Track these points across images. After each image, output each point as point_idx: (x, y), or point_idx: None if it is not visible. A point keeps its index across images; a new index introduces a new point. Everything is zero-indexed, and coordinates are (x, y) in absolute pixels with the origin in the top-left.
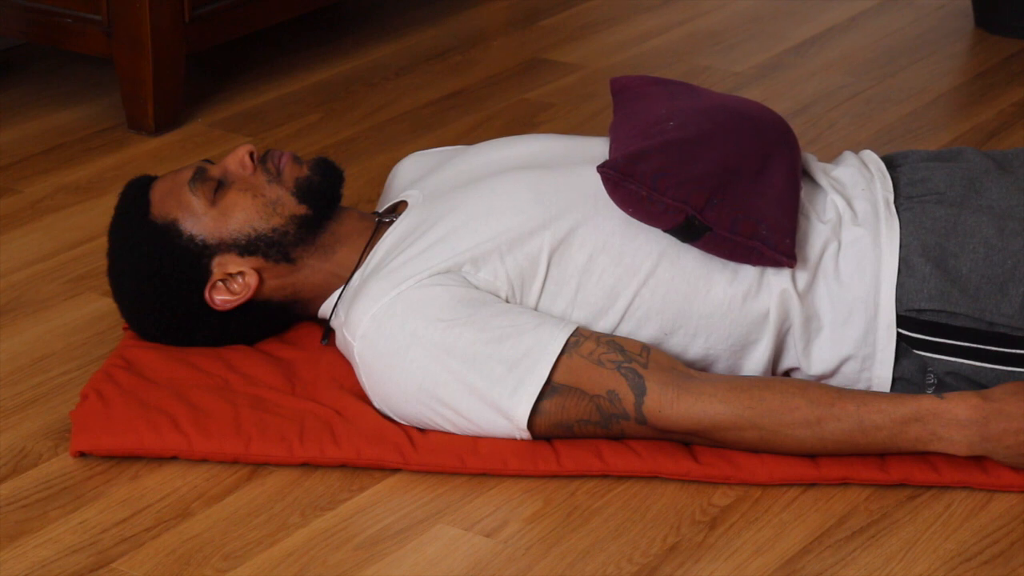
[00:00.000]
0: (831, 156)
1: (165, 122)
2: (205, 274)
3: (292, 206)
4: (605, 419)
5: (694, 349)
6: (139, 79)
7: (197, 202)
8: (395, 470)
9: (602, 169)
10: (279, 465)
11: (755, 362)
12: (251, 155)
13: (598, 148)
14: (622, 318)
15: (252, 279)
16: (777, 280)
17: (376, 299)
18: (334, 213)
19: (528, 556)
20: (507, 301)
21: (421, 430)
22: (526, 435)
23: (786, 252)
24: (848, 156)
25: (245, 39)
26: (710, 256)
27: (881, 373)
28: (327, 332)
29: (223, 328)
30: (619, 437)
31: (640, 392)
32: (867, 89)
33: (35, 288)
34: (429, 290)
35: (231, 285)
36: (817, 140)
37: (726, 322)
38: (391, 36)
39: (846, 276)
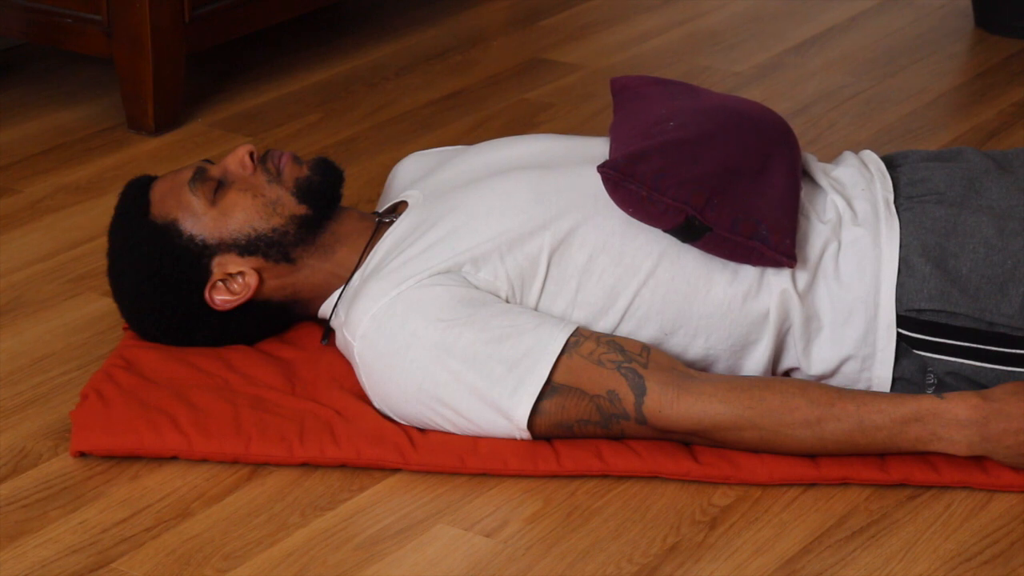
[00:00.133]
0: (831, 156)
1: (165, 122)
2: (205, 274)
3: (292, 206)
4: (605, 419)
5: (694, 349)
6: (139, 79)
7: (197, 202)
8: (395, 470)
9: (602, 169)
10: (279, 465)
11: (755, 362)
12: (251, 155)
13: (598, 148)
14: (622, 318)
15: (252, 279)
16: (777, 280)
17: (376, 299)
18: (334, 213)
19: (528, 556)
20: (507, 301)
21: (421, 430)
22: (526, 435)
23: (786, 252)
24: (848, 156)
25: (245, 39)
26: (710, 256)
27: (881, 373)
28: (327, 332)
29: (223, 328)
30: (619, 437)
31: (640, 392)
32: (867, 89)
33: (35, 288)
34: (429, 290)
35: (231, 285)
36: (817, 140)
37: (726, 322)
38: (391, 36)
39: (846, 276)
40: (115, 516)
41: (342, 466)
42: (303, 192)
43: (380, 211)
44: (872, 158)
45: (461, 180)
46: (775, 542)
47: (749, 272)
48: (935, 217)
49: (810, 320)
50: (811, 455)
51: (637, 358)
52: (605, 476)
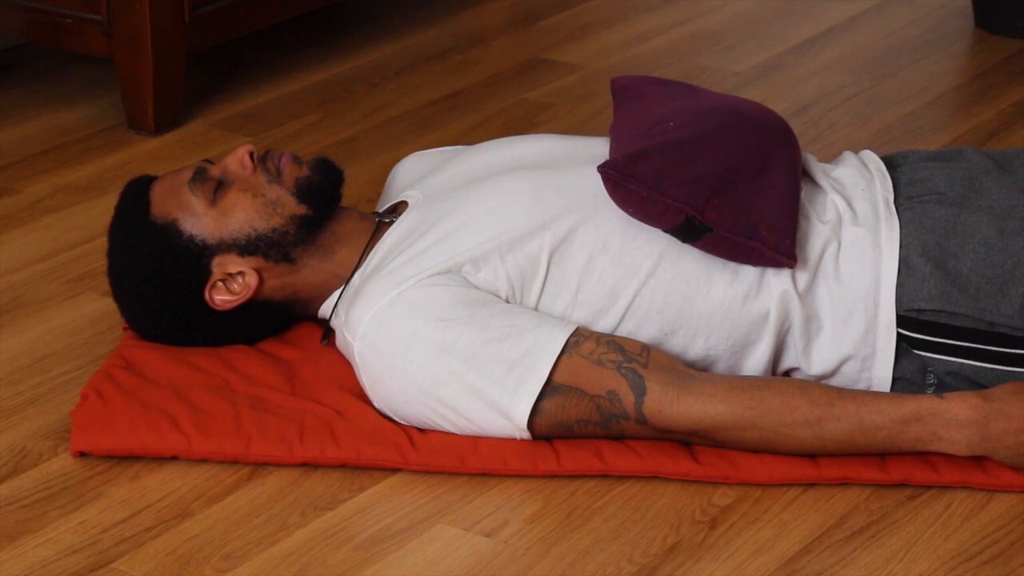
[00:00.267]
0: (831, 156)
1: (165, 122)
2: (205, 274)
3: (292, 206)
4: (605, 419)
5: (694, 349)
6: (139, 79)
7: (197, 202)
8: (395, 470)
9: (602, 169)
10: (279, 465)
11: (755, 362)
12: (251, 155)
13: (598, 148)
14: (622, 318)
15: (252, 279)
16: (777, 280)
17: (376, 299)
18: (334, 213)
19: (528, 556)
20: (507, 301)
21: (421, 430)
22: (526, 435)
23: (786, 252)
24: (848, 156)
25: (245, 39)
26: (710, 256)
27: (881, 373)
28: (327, 332)
29: (223, 328)
30: (619, 437)
31: (640, 392)
32: (867, 89)
33: (35, 288)
34: (429, 290)
35: (231, 285)
36: (817, 140)
37: (726, 322)
38: (391, 36)
39: (846, 276)
40: (115, 516)
41: (342, 466)
42: (303, 192)
43: (380, 211)
44: (872, 158)
45: (461, 180)
46: (775, 542)
47: (749, 272)
48: (935, 217)
49: (810, 320)
50: (811, 455)
51: (637, 358)
52: (605, 476)
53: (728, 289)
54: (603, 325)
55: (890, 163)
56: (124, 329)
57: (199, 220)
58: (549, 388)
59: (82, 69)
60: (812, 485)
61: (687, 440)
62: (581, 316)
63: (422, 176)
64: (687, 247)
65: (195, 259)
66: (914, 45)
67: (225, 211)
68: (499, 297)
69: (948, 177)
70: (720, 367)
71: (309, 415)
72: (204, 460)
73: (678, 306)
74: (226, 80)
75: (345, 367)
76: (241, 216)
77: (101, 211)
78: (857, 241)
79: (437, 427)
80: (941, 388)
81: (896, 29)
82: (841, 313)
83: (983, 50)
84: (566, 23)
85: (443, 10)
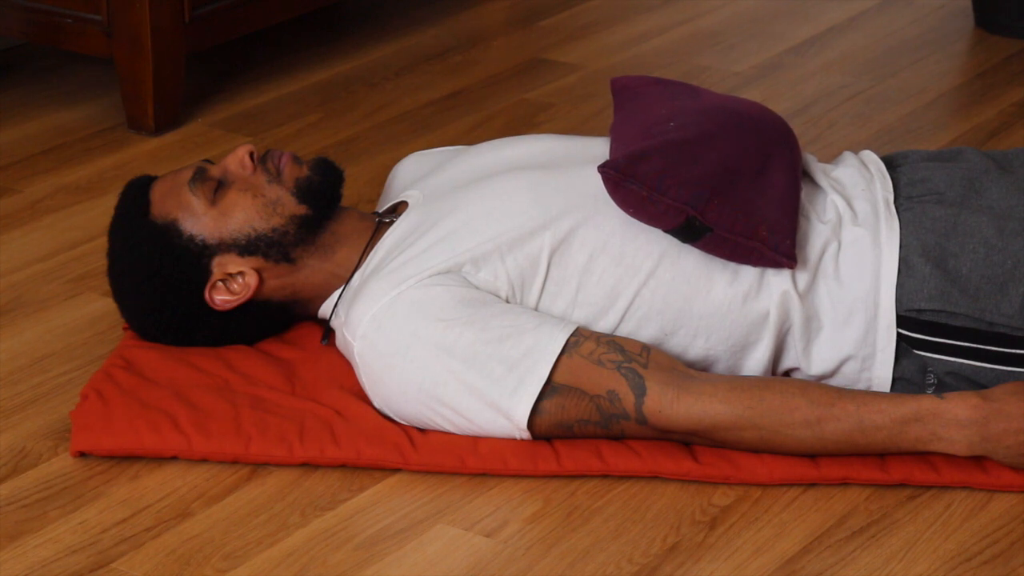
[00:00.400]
0: (831, 156)
1: (165, 122)
2: (205, 274)
3: (292, 206)
4: (605, 419)
5: (694, 349)
6: (139, 79)
7: (197, 202)
8: (395, 470)
9: (603, 169)
10: (279, 465)
11: (755, 362)
12: (251, 155)
13: (599, 148)
14: (622, 318)
15: (252, 279)
16: (777, 281)
17: (376, 299)
18: (334, 213)
19: (528, 556)
20: (507, 301)
21: (421, 430)
22: (526, 435)
23: (786, 253)
24: (848, 156)
25: (245, 39)
26: (710, 257)
27: (881, 373)
28: (327, 332)
29: (223, 328)
30: (619, 437)
31: (640, 392)
32: (867, 89)
33: (35, 288)
34: (429, 290)
35: (231, 285)
36: (817, 140)
37: (726, 322)
38: (391, 36)
39: (846, 276)
40: (115, 516)
41: (342, 466)
42: (303, 192)
43: (380, 211)
44: (872, 158)
45: (461, 180)
46: (775, 542)
47: (749, 272)
48: (935, 217)
49: (810, 320)
50: (811, 455)
51: (637, 358)
52: (605, 476)
53: (728, 289)
54: (603, 325)
55: (890, 163)
56: (124, 329)
57: (199, 220)
58: (549, 388)
59: (82, 69)
60: (812, 485)
61: (687, 440)
62: (581, 316)
63: (422, 176)
64: (687, 247)
65: (195, 259)
66: (914, 45)
67: (225, 211)
68: (499, 297)
69: (948, 177)
70: (720, 367)
71: (309, 415)
72: (204, 460)
73: (678, 306)
74: (226, 80)
75: (345, 367)
76: (241, 216)
77: (101, 211)
78: (857, 241)
79: (437, 427)
80: (941, 388)
81: (896, 29)
82: (841, 313)
83: (983, 50)
84: (566, 23)
85: (443, 10)
